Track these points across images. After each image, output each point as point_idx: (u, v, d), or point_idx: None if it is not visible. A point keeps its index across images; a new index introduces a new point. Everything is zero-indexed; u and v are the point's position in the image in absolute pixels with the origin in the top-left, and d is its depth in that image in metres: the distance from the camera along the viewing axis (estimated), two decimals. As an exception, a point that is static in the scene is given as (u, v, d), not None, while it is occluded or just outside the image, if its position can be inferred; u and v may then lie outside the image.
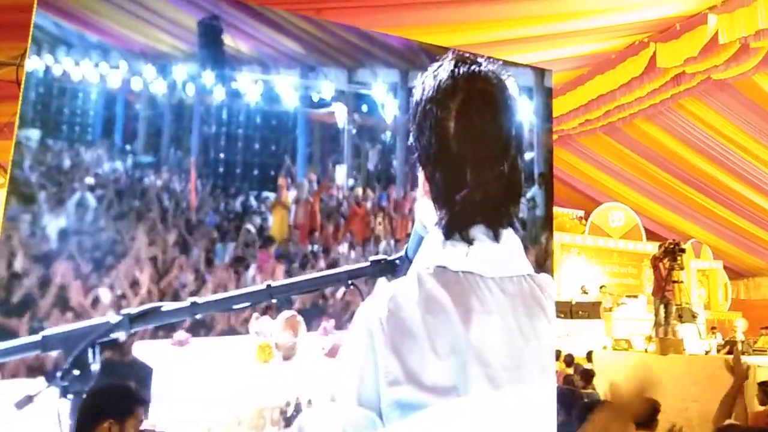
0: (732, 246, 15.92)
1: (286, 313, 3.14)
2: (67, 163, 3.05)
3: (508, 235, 2.68)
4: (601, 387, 6.28)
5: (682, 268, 7.24)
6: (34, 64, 2.84)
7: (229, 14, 3.19)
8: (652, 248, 8.68)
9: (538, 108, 4.12)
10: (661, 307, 7.35)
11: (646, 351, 7.08)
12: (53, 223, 2.86)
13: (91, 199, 3.01)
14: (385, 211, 3.75)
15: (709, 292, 16.10)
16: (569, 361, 8.51)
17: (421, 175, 2.79)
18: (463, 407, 2.62)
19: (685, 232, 15.27)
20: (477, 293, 2.48)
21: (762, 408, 4.52)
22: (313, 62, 3.59)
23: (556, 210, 14.01)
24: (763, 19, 7.33)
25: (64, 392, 2.40)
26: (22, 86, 2.82)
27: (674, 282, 7.30)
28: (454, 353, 2.48)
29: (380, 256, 3.13)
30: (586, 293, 13.09)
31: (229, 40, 3.25)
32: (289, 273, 3.37)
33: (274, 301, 2.97)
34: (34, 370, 2.58)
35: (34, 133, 2.92)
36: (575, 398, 3.98)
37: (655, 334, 7.23)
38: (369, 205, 3.79)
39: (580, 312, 11.57)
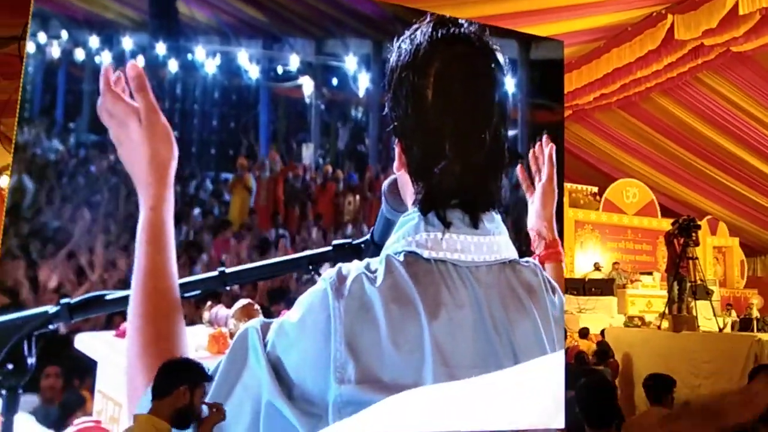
0: (749, 222, 15.74)
1: (242, 302, 2.98)
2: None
3: (488, 219, 2.62)
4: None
5: (697, 245, 7.15)
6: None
7: None
8: (667, 225, 8.58)
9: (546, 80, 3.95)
10: (675, 283, 7.28)
11: (659, 328, 7.04)
12: None
13: (28, 182, 2.76)
14: (356, 193, 3.54)
15: (725, 269, 15.97)
16: (585, 333, 8.49)
17: (397, 147, 2.64)
18: (418, 398, 2.42)
19: (701, 208, 15.10)
20: (448, 284, 2.53)
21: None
22: (278, 32, 3.33)
23: (570, 186, 13.88)
24: (785, -11, 7.14)
25: None
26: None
27: (689, 258, 7.22)
28: (416, 349, 2.44)
29: (343, 240, 2.99)
30: (600, 270, 13.04)
31: (183, 8, 3.03)
32: (249, 259, 3.18)
33: (228, 288, 2.84)
34: None
35: None
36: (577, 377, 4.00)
37: (668, 310, 7.17)
38: (339, 186, 3.58)
39: (593, 289, 11.54)
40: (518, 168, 3.16)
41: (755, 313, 11.49)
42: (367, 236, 2.99)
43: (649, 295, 12.18)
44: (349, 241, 2.99)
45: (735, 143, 12.35)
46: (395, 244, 2.61)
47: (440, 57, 2.57)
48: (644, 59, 9.21)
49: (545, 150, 3.18)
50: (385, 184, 2.85)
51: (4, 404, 2.32)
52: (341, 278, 2.44)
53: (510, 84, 2.87)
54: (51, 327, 2.46)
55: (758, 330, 6.89)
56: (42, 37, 2.80)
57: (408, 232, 2.61)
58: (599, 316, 10.42)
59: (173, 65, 2.99)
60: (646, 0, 8.35)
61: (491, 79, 2.65)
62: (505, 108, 2.71)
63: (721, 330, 7.03)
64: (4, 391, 2.31)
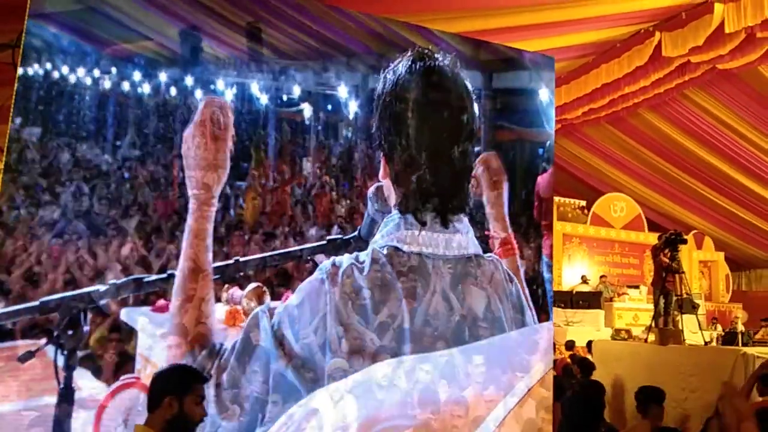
0: (734, 237, 15.90)
1: (253, 285, 3.54)
2: (66, 156, 3.54)
3: (456, 220, 3.24)
4: (600, 377, 6.31)
5: (675, 259, 7.21)
6: (30, 66, 3.23)
7: (207, 24, 3.65)
8: (654, 239, 8.67)
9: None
10: (661, 297, 7.34)
11: (645, 341, 7.08)
12: (52, 209, 3.28)
13: (85, 188, 3.45)
14: (347, 198, 4.26)
15: (711, 283, 16.12)
16: (570, 345, 8.54)
17: (382, 160, 3.25)
18: (394, 370, 3.05)
19: (687, 222, 15.25)
20: (423, 273, 3.16)
21: (761, 399, 4.52)
22: (283, 66, 4.01)
23: (558, 199, 13.98)
24: (770, 9, 7.26)
25: (60, 349, 2.88)
26: (18, 78, 2.86)
27: (674, 273, 7.28)
28: (396, 326, 3.03)
29: (336, 236, 3.72)
30: (587, 283, 13.11)
31: (207, 47, 3.70)
32: (260, 251, 3.80)
33: (241, 273, 3.51)
34: (34, 330, 2.99)
35: (35, 130, 3.35)
36: (563, 390, 4.08)
37: (655, 324, 7.22)
38: (333, 193, 4.28)
39: (580, 302, 11.60)
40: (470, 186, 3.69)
41: (740, 327, 11.58)
42: (355, 233, 3.66)
43: (635, 308, 12.25)
44: (340, 236, 3.69)
45: (721, 159, 12.50)
46: (380, 240, 3.21)
47: (418, 86, 3.20)
48: (632, 75, 9.32)
49: (492, 163, 3.83)
50: (371, 189, 3.49)
51: (65, 361, 2.88)
52: (335, 268, 3.04)
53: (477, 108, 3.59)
54: (101, 302, 3.06)
55: (743, 344, 6.94)
56: (96, 72, 3.59)
57: (390, 230, 3.20)
58: (586, 329, 10.46)
59: (199, 93, 3.67)
60: (635, 17, 8.47)
61: (460, 104, 3.29)
62: (471, 128, 3.34)
63: (706, 344, 7.08)
64: (65, 352, 2.88)
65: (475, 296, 3.27)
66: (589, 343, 7.95)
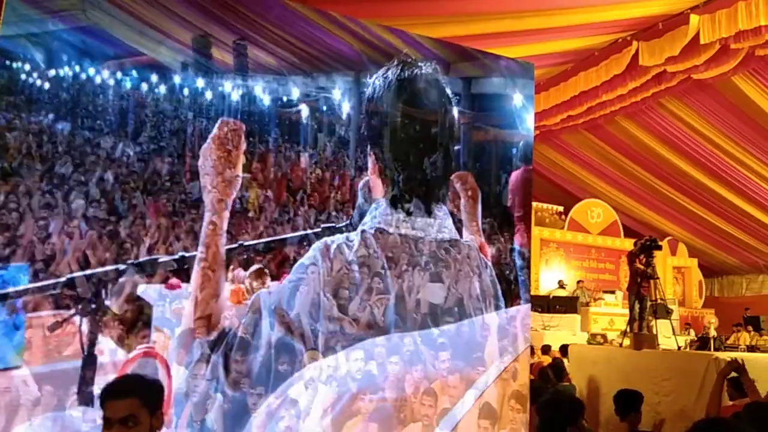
0: (707, 244, 16.18)
1: (255, 266, 3.87)
2: (92, 146, 4.02)
3: (437, 208, 3.71)
4: (576, 381, 6.37)
5: (650, 265, 7.31)
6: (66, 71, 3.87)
7: (217, 32, 4.09)
8: (630, 245, 8.79)
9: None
10: (636, 302, 7.43)
11: (621, 345, 7.17)
12: (80, 198, 3.73)
13: (110, 179, 3.94)
14: (339, 190, 4.64)
15: (684, 289, 16.37)
16: (546, 349, 8.61)
17: (371, 158, 3.74)
18: (388, 342, 3.52)
19: (662, 229, 15.49)
20: (406, 252, 3.60)
21: (731, 403, 4.61)
22: (283, 71, 4.49)
23: (536, 205, 14.11)
24: (743, 21, 7.42)
25: (84, 319, 3.27)
26: None
27: (649, 278, 7.38)
28: (383, 296, 3.46)
29: (330, 224, 4.08)
30: (564, 288, 13.23)
31: (216, 54, 4.12)
32: (261, 236, 4.16)
33: (245, 256, 3.86)
34: (61, 302, 3.37)
35: (66, 126, 3.85)
36: (540, 394, 4.16)
37: (629, 329, 7.31)
38: (326, 185, 4.73)
39: (557, 306, 11.71)
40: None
41: (712, 333, 11.77)
42: (346, 222, 4.08)
43: (611, 313, 12.39)
44: (334, 224, 4.08)
45: (695, 167, 12.72)
46: (368, 222, 3.64)
47: (405, 91, 3.57)
48: (610, 83, 9.46)
49: (468, 179, 4.18)
50: (361, 183, 3.94)
51: (88, 330, 3.25)
52: (327, 246, 3.51)
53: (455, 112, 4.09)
54: (121, 279, 3.45)
55: (715, 349, 7.06)
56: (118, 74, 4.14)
57: (377, 214, 3.63)
58: (563, 334, 10.56)
59: (209, 95, 4.16)
60: (613, 26, 8.60)
61: (443, 107, 3.69)
62: (453, 129, 3.80)
63: (680, 348, 7.19)
64: (89, 321, 3.24)
65: (452, 275, 3.75)
66: (564, 347, 8.03)
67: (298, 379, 3.40)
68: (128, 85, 4.19)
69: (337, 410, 3.50)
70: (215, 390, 3.37)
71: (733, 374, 4.24)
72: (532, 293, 8.15)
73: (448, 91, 3.85)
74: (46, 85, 3.87)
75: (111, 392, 1.95)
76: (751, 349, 7.47)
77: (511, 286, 4.50)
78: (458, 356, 3.91)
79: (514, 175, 4.88)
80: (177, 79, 4.17)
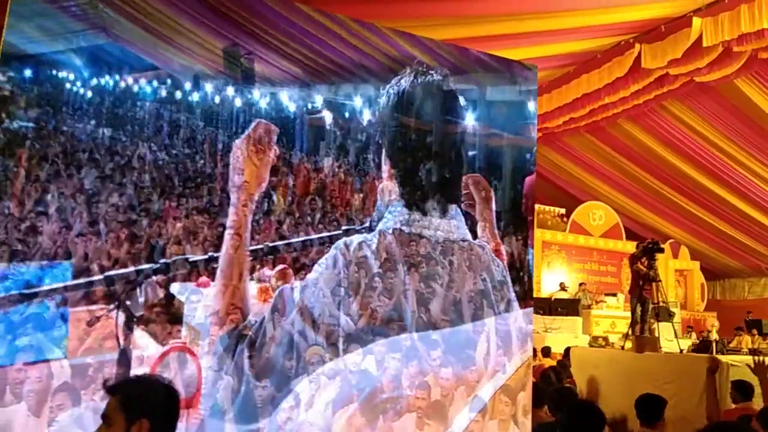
0: (709, 247, 16.16)
1: (280, 266, 4.04)
2: (128, 152, 4.32)
3: (452, 210, 3.90)
4: (578, 383, 6.36)
5: (652, 268, 7.30)
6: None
7: (245, 42, 4.29)
8: (632, 247, 8.77)
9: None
10: (638, 305, 7.42)
11: (623, 348, 7.16)
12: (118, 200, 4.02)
13: (146, 181, 4.21)
14: (360, 193, 4.81)
15: (686, 292, 16.35)
16: (546, 351, 8.60)
17: (387, 163, 3.95)
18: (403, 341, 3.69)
19: (664, 232, 15.47)
20: (421, 251, 3.78)
21: (734, 406, 4.60)
22: (308, 80, 4.72)
23: (538, 207, 14.10)
24: (746, 24, 7.42)
25: (121, 314, 3.42)
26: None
27: (651, 281, 7.37)
28: (400, 293, 3.64)
29: (351, 227, 4.26)
30: (566, 290, 13.21)
31: (245, 63, 4.34)
32: (286, 237, 4.36)
33: (271, 256, 4.04)
34: (99, 299, 3.55)
35: (107, 130, 4.22)
36: (541, 396, 4.23)
37: (631, 331, 7.30)
38: (348, 188, 4.92)
39: (559, 309, 11.69)
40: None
41: (714, 336, 11.76)
42: (367, 223, 4.24)
43: (613, 315, 12.38)
44: (354, 227, 4.26)
45: (697, 170, 12.70)
46: (386, 223, 3.82)
47: (418, 98, 3.77)
48: (612, 86, 9.46)
49: (481, 182, 4.29)
50: (379, 188, 4.13)
51: (124, 325, 3.41)
52: (347, 245, 3.69)
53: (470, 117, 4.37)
54: (155, 277, 3.62)
55: (717, 352, 7.06)
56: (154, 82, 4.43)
57: (396, 215, 3.81)
58: (565, 336, 10.54)
59: (238, 102, 4.43)
60: (615, 29, 8.60)
61: (455, 114, 3.91)
62: (464, 135, 4.02)
63: (681, 352, 7.18)
64: (125, 317, 3.41)
65: (464, 273, 3.92)
66: (567, 350, 8.02)
67: (320, 374, 3.56)
68: (163, 92, 4.49)
69: (362, 403, 3.67)
70: (239, 382, 3.52)
71: (737, 378, 4.23)
72: (534, 296, 8.14)
73: (461, 97, 4.10)
74: (91, 96, 4.14)
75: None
76: (753, 352, 7.46)
77: (524, 287, 4.65)
78: (475, 356, 4.06)
79: (528, 180, 4.97)
80: (209, 88, 4.48)
